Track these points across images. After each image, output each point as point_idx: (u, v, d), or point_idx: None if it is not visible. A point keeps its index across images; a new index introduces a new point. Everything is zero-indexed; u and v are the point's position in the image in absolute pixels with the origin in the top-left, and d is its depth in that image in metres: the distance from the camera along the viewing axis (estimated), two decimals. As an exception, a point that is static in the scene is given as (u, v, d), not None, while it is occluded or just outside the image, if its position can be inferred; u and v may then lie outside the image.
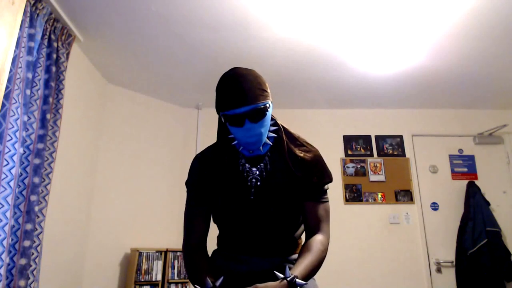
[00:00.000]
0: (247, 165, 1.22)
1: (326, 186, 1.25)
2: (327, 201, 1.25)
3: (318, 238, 1.17)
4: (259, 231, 1.22)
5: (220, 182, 1.22)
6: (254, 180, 1.21)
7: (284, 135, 1.24)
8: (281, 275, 1.00)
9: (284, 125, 1.27)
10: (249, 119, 1.09)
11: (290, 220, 1.23)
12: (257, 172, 1.21)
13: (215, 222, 1.31)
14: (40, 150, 2.16)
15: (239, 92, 1.08)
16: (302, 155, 1.21)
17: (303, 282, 1.01)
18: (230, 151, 1.23)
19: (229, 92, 1.09)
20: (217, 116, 1.22)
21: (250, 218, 1.21)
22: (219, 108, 1.14)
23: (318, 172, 1.22)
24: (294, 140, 1.26)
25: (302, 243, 1.34)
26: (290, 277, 0.99)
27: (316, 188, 1.22)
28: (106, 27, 2.58)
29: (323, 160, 1.25)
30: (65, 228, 2.70)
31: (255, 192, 1.20)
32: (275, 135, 1.23)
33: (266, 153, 1.23)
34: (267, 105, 1.12)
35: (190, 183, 1.28)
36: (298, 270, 1.04)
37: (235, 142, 1.23)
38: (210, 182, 1.23)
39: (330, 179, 1.24)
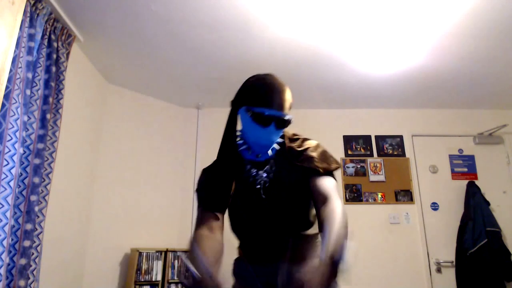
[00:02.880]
0: (253, 170, 1.24)
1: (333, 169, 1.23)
2: (335, 180, 1.19)
3: (334, 207, 1.02)
4: (274, 231, 1.22)
5: (229, 190, 1.21)
6: (263, 182, 1.22)
7: (285, 138, 1.27)
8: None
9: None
10: (276, 123, 1.13)
11: (303, 217, 1.23)
12: (265, 174, 1.22)
13: (232, 231, 1.32)
14: (40, 150, 2.16)
15: (281, 97, 1.14)
16: (304, 148, 1.23)
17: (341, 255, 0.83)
18: (235, 158, 1.23)
19: (271, 92, 1.13)
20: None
21: (264, 219, 1.21)
22: (253, 102, 1.14)
23: (324, 160, 1.20)
24: (294, 139, 1.29)
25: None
26: (325, 255, 0.83)
27: (325, 174, 1.20)
28: (106, 27, 2.58)
29: (325, 149, 1.26)
30: (65, 228, 2.70)
31: (265, 192, 1.21)
32: (280, 140, 1.25)
33: (272, 157, 1.25)
34: (292, 120, 1.17)
35: (199, 195, 1.26)
36: (328, 244, 0.87)
37: (242, 147, 1.22)
38: (219, 191, 1.21)
39: (338, 164, 1.22)
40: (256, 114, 1.12)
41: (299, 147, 1.25)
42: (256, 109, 1.13)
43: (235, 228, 1.30)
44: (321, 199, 1.09)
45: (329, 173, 1.20)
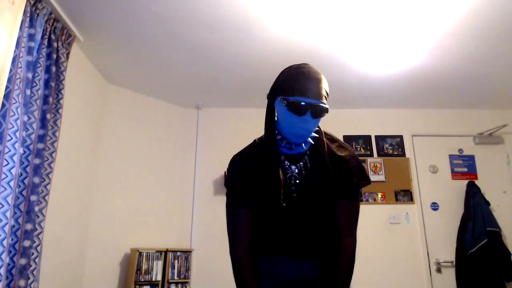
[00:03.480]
0: (286, 162, 1.22)
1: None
2: (359, 200, 1.27)
3: (348, 247, 1.18)
4: (300, 229, 1.20)
5: (260, 181, 1.20)
6: (293, 177, 1.21)
7: (323, 135, 1.26)
8: None
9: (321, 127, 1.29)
10: (312, 112, 1.12)
11: (330, 219, 1.22)
12: (296, 170, 1.21)
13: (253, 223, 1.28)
14: (40, 150, 2.16)
15: (315, 85, 1.12)
16: (342, 154, 1.22)
17: None
18: (270, 148, 1.22)
19: (306, 81, 1.12)
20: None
21: (290, 216, 1.20)
22: (287, 92, 1.14)
23: (358, 172, 1.21)
24: (332, 140, 1.27)
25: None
26: None
27: (354, 188, 1.22)
28: (106, 27, 2.58)
29: (360, 161, 1.26)
30: (65, 228, 2.70)
31: (295, 190, 1.20)
32: (316, 135, 1.24)
33: (306, 152, 1.24)
34: (328, 109, 1.15)
35: (231, 186, 1.27)
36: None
37: (277, 137, 1.23)
38: (250, 182, 1.21)
39: (369, 181, 1.24)
40: (291, 103, 1.12)
41: (337, 150, 1.23)
42: (291, 98, 1.12)
43: (257, 219, 1.24)
44: (340, 230, 1.20)
45: (360, 187, 1.23)
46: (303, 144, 1.22)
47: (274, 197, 1.18)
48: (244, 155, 1.28)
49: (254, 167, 1.22)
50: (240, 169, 1.26)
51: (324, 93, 1.15)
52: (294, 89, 1.12)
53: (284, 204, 1.16)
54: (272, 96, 1.21)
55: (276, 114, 1.24)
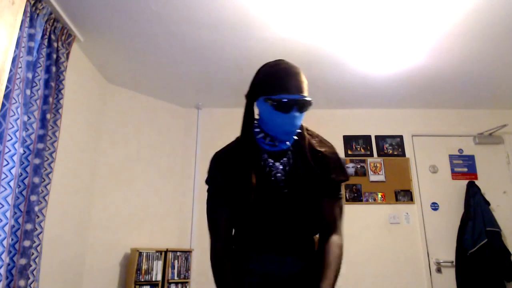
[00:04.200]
0: (270, 160, 1.22)
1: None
2: (342, 198, 1.27)
3: (336, 242, 1.20)
4: (284, 226, 1.20)
5: (242, 178, 1.19)
6: (278, 174, 1.21)
7: (305, 130, 1.27)
8: None
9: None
10: (298, 108, 1.12)
11: (312, 215, 1.23)
12: (281, 167, 1.21)
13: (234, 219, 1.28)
14: (40, 150, 2.16)
15: (296, 79, 1.12)
16: (322, 150, 1.23)
17: None
18: (252, 147, 1.22)
19: (287, 77, 1.12)
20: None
21: (275, 212, 1.20)
22: (270, 91, 1.13)
23: (337, 168, 1.22)
24: (313, 136, 1.28)
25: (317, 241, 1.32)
26: None
27: (333, 184, 1.22)
28: (106, 27, 2.58)
29: (340, 157, 1.27)
30: (65, 228, 2.70)
31: (279, 185, 1.20)
32: (298, 130, 1.24)
33: (289, 148, 1.24)
34: (312, 102, 1.15)
35: (211, 183, 1.27)
36: (326, 284, 1.09)
37: (260, 135, 1.22)
38: (232, 180, 1.21)
39: (347, 178, 1.25)
40: (277, 102, 1.11)
41: (318, 146, 1.24)
42: (275, 97, 1.11)
43: (240, 216, 1.23)
44: (326, 227, 1.22)
45: (338, 183, 1.24)
46: (288, 141, 1.22)
47: (247, 200, 1.18)
48: (225, 153, 1.28)
49: (233, 166, 1.22)
50: (221, 166, 1.25)
51: (305, 86, 1.15)
52: (277, 87, 1.12)
53: (252, 210, 1.17)
54: (253, 96, 1.21)
55: (257, 114, 1.24)
